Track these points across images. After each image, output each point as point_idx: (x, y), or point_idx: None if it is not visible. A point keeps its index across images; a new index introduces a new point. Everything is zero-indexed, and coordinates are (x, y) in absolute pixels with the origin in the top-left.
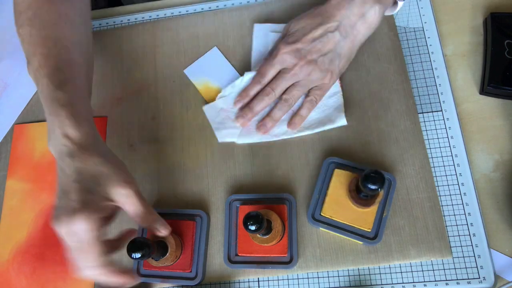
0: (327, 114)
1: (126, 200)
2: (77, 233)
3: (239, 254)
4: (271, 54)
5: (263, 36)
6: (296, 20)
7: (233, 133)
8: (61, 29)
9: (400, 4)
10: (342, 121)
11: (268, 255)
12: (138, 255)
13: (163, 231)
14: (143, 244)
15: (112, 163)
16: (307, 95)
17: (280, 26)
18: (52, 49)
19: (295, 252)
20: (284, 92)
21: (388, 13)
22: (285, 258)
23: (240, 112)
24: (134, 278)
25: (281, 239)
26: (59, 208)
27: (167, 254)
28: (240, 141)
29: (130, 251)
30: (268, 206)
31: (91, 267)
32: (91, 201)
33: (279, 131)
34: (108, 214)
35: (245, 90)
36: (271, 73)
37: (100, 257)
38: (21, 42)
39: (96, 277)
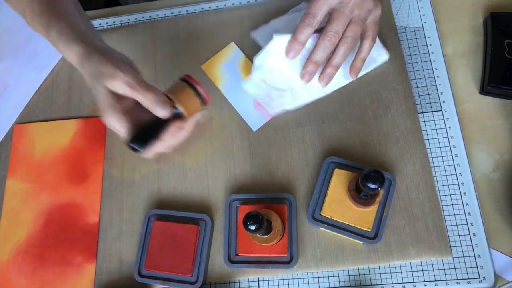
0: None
1: (120, 91)
2: (124, 78)
3: (239, 254)
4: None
5: (265, 33)
6: None
7: (283, 102)
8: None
9: None
10: (384, 57)
11: (268, 255)
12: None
13: (160, 112)
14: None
15: (110, 63)
16: (362, 35)
17: (278, 22)
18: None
19: (295, 252)
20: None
21: None
22: (285, 258)
23: (303, 70)
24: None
25: (281, 239)
26: (104, 75)
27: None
28: (293, 106)
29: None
30: (268, 206)
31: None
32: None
33: (330, 83)
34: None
35: (295, 35)
36: (322, 10)
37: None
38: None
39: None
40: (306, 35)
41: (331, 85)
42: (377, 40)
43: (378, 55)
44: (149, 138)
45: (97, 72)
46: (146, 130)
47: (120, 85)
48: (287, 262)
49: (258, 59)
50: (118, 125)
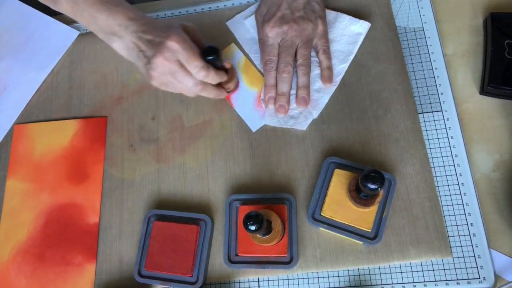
0: (348, 35)
1: (193, 30)
2: (176, 48)
3: (239, 254)
4: (262, 41)
5: (239, 26)
6: (261, 3)
7: (307, 115)
8: None
9: None
10: (365, 26)
11: (268, 255)
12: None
13: (227, 63)
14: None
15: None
16: (316, 51)
17: (249, 10)
18: None
19: (295, 252)
20: (295, 60)
21: None
22: (285, 258)
23: (275, 106)
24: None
25: (281, 239)
26: (149, 55)
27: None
28: (317, 112)
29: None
30: (268, 206)
31: (200, 68)
32: (173, 28)
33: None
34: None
35: (265, 85)
36: (273, 53)
37: (203, 60)
38: None
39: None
40: (274, 78)
41: (336, 75)
42: (348, 16)
43: (359, 27)
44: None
45: (165, 22)
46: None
47: (194, 27)
48: (287, 263)
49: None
50: (192, 46)
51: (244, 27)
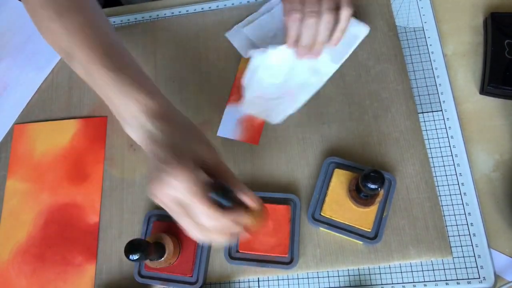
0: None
1: (213, 158)
2: (178, 187)
3: (240, 251)
4: None
5: (239, 36)
6: None
7: (283, 109)
8: (90, 14)
9: None
10: (364, 30)
11: (269, 254)
12: (135, 256)
13: (249, 200)
14: (141, 246)
15: (195, 127)
16: (338, 7)
17: (247, 20)
18: (94, 37)
19: (296, 254)
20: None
21: None
22: (286, 258)
23: (297, 54)
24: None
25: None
26: (155, 175)
27: (164, 256)
28: (294, 109)
29: (127, 253)
30: (271, 206)
31: (204, 216)
32: (184, 158)
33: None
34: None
35: (289, 36)
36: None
37: (211, 206)
38: (54, 37)
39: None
40: (311, 29)
41: (324, 74)
42: (352, 18)
43: (358, 31)
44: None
45: (183, 137)
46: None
47: (215, 154)
48: (287, 263)
49: (247, 79)
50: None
51: (243, 36)
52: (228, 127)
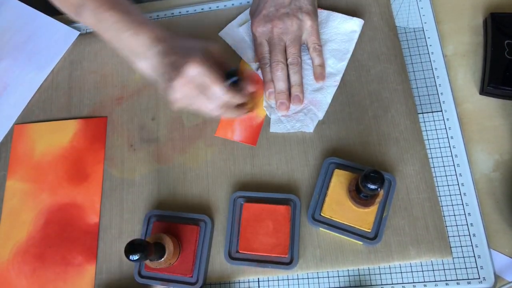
0: (343, 33)
1: (218, 52)
2: (196, 72)
3: (240, 251)
4: (253, 40)
5: (234, 35)
6: (253, 0)
7: (313, 116)
8: None
9: None
10: (357, 23)
11: (269, 254)
12: (135, 257)
13: (250, 87)
14: (141, 246)
15: (197, 39)
16: (307, 48)
17: (240, 18)
18: None
19: (296, 254)
20: (286, 57)
21: None
22: (286, 259)
23: (276, 104)
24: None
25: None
26: (170, 77)
27: (164, 256)
28: (322, 113)
29: (127, 253)
30: (272, 206)
31: (223, 92)
32: (194, 51)
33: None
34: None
35: (264, 81)
36: (265, 50)
37: (223, 84)
38: None
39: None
40: (269, 74)
41: (336, 73)
42: (341, 15)
43: (353, 25)
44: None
45: (189, 43)
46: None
47: (219, 48)
48: (287, 263)
49: (265, 102)
50: (214, 70)
51: (239, 36)
52: (227, 128)
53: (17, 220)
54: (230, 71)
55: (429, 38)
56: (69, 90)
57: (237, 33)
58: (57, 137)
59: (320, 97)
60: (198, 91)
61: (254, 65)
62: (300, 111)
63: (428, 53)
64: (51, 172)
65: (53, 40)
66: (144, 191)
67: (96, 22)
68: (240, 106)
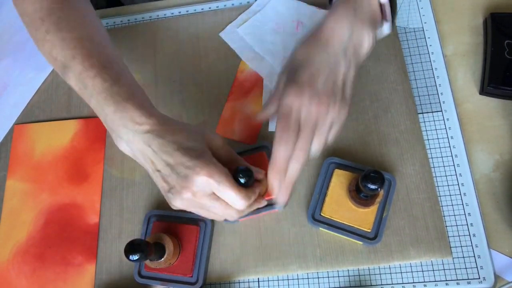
0: None
1: (220, 145)
2: (206, 184)
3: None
4: (280, 103)
5: (233, 36)
6: (298, 52)
7: None
8: (90, 28)
9: (385, 26)
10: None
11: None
12: (135, 257)
13: (260, 175)
14: (141, 246)
15: (195, 126)
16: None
17: (240, 18)
18: (92, 49)
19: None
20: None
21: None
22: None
23: (280, 190)
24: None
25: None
26: (172, 185)
27: (164, 256)
28: None
29: (127, 253)
30: (245, 157)
31: (240, 200)
32: (199, 154)
33: None
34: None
35: (273, 158)
36: (293, 128)
37: (240, 189)
38: (50, 49)
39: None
40: (295, 170)
41: None
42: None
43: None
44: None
45: (189, 137)
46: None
47: (222, 140)
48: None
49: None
50: (225, 176)
51: (238, 36)
52: (226, 127)
53: (17, 220)
54: (240, 170)
55: (429, 38)
56: (69, 90)
57: (236, 33)
58: (57, 137)
59: None
60: (211, 201)
61: (253, 63)
62: None
63: (428, 53)
64: (51, 172)
65: None
66: (144, 191)
67: (80, 87)
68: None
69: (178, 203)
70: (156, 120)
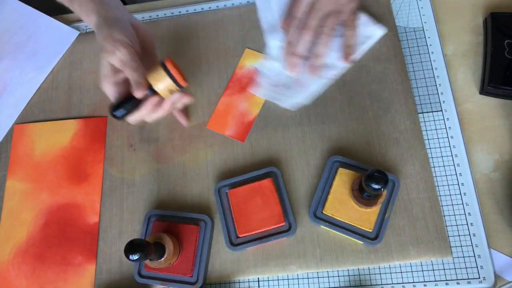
0: (358, 34)
1: (116, 65)
2: (122, 53)
3: (240, 236)
4: None
5: (266, 9)
6: None
7: (296, 96)
8: None
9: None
10: (379, 32)
11: (267, 229)
12: (135, 256)
13: (135, 91)
14: (141, 246)
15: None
16: (345, 24)
17: None
18: None
19: (292, 219)
20: (321, 26)
21: None
22: (284, 227)
23: (286, 62)
24: None
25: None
26: (107, 47)
27: (164, 256)
28: (305, 98)
29: (127, 253)
30: (255, 183)
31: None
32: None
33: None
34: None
35: (287, 41)
36: (303, 11)
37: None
38: None
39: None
40: (302, 44)
41: (333, 69)
42: (366, 18)
43: (372, 31)
44: (129, 108)
45: (101, 46)
46: (127, 101)
47: (116, 61)
48: (287, 230)
49: (261, 64)
50: (108, 92)
51: (271, 11)
52: (218, 121)
53: (17, 220)
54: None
55: (429, 38)
56: (69, 90)
57: (269, 9)
58: (57, 137)
59: (309, 84)
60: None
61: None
62: (287, 87)
63: (428, 53)
64: (51, 172)
65: (53, 40)
66: (144, 191)
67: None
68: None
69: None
70: (101, 14)
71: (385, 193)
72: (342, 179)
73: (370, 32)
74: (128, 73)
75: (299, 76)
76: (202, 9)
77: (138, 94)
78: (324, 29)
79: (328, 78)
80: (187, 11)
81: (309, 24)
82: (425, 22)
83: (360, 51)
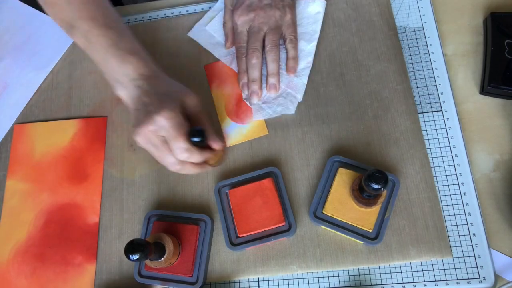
0: (307, 16)
1: (192, 104)
2: (162, 125)
3: (240, 236)
4: (233, 30)
5: (202, 34)
6: None
7: (286, 108)
8: None
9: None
10: (322, 3)
11: (267, 228)
12: (135, 256)
13: (215, 145)
14: (141, 246)
15: (180, 85)
16: (284, 39)
17: (207, 16)
18: (96, 10)
19: (292, 219)
20: (263, 46)
21: None
22: (284, 226)
23: (247, 92)
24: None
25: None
26: (143, 117)
27: (164, 256)
28: (301, 95)
29: (127, 253)
30: (255, 183)
31: (182, 150)
32: (169, 102)
33: (286, 87)
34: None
35: (238, 72)
36: (243, 40)
37: (187, 142)
38: (59, 11)
39: (190, 159)
40: (245, 64)
41: (308, 55)
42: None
43: (317, 6)
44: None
45: (169, 89)
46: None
47: (196, 102)
48: (287, 230)
49: (244, 94)
50: (181, 126)
51: (207, 34)
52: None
53: (17, 220)
54: (194, 130)
55: (429, 37)
56: (69, 90)
57: (205, 32)
58: (57, 137)
59: (297, 80)
60: (160, 142)
61: (227, 59)
62: (280, 96)
63: (428, 52)
64: (51, 172)
65: (53, 40)
66: (144, 191)
67: (86, 43)
68: (203, 163)
69: (138, 137)
70: (153, 72)
71: (385, 193)
72: (342, 179)
73: (316, 8)
74: (206, 119)
75: (284, 80)
76: (202, 9)
77: (218, 146)
78: (267, 47)
79: (308, 66)
80: (187, 11)
81: (253, 47)
82: (425, 22)
83: (318, 29)
